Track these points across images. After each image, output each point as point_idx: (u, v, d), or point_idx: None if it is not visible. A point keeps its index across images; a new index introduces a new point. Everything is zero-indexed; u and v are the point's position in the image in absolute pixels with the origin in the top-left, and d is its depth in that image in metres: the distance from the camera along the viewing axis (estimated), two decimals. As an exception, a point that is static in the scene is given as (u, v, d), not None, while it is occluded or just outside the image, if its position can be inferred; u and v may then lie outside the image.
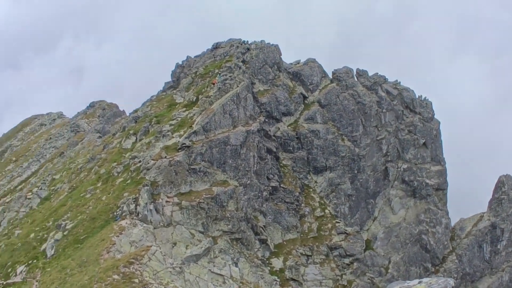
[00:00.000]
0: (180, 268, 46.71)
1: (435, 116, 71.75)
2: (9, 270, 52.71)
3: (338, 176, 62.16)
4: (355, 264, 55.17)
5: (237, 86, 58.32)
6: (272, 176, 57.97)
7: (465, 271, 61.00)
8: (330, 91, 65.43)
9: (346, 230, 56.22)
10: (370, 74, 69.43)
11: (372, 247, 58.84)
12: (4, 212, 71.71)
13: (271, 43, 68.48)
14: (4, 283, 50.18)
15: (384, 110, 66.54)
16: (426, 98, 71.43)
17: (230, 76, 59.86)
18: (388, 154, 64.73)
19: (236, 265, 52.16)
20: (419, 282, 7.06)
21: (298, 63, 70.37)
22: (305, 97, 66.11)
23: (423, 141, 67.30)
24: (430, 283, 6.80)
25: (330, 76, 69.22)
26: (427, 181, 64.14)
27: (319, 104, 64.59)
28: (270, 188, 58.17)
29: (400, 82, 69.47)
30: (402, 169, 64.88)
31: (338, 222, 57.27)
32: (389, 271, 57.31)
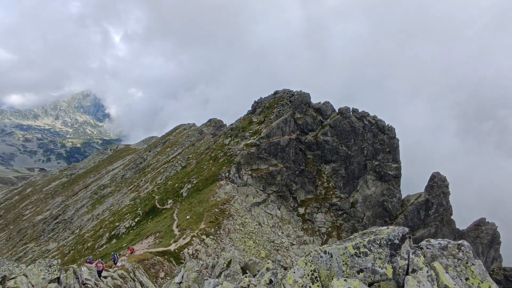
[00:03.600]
0: (249, 208, 54.08)
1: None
2: (164, 201, 63.23)
3: (336, 166, 70.21)
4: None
5: (286, 114, 66.75)
6: (301, 163, 65.10)
7: (408, 225, 67.08)
8: (336, 119, 72.61)
9: (340, 196, 63.28)
10: (359, 110, 76.71)
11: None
12: (164, 172, 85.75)
13: (305, 91, 76.71)
14: (162, 207, 60.86)
15: (366, 131, 72.58)
16: (390, 125, 76.67)
17: (282, 109, 68.05)
18: (367, 156, 72.18)
19: (279, 209, 58.77)
20: (387, 228, 6.85)
21: (319, 103, 77.08)
22: (322, 122, 73.64)
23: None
24: (393, 229, 6.62)
25: (337, 111, 76.44)
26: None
27: (329, 126, 72.16)
28: (300, 169, 66.80)
29: (376, 116, 76.51)
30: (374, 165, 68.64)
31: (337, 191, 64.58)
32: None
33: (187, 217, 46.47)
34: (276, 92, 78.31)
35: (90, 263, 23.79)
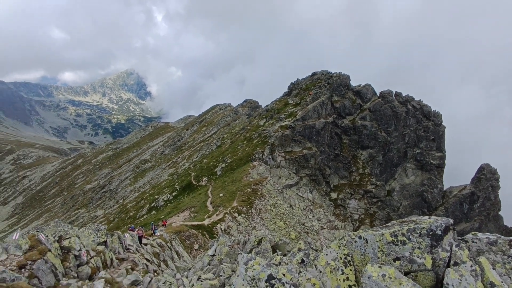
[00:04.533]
0: (281, 190, 58.60)
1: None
2: (199, 178, 66.27)
3: (374, 152, 67.91)
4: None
5: (323, 97, 65.34)
6: (336, 147, 63.47)
7: (449, 217, 62.30)
8: (377, 103, 69.81)
9: (376, 183, 62.65)
10: (403, 94, 73.22)
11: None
12: (200, 150, 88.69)
13: (344, 73, 73.52)
14: (197, 184, 64.13)
15: (409, 117, 69.13)
16: (437, 111, 71.61)
17: (319, 91, 66.98)
18: (409, 143, 68.80)
19: (311, 193, 61.03)
20: (429, 218, 6.41)
21: (359, 86, 74.57)
22: (361, 106, 71.11)
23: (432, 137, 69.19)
24: (436, 219, 6.19)
25: (378, 94, 73.13)
26: None
27: (369, 110, 69.64)
28: (335, 154, 65.45)
29: (422, 101, 72.33)
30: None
31: (372, 177, 64.54)
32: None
33: (221, 194, 48.28)
34: (314, 74, 76.86)
35: (132, 230, 25.94)
